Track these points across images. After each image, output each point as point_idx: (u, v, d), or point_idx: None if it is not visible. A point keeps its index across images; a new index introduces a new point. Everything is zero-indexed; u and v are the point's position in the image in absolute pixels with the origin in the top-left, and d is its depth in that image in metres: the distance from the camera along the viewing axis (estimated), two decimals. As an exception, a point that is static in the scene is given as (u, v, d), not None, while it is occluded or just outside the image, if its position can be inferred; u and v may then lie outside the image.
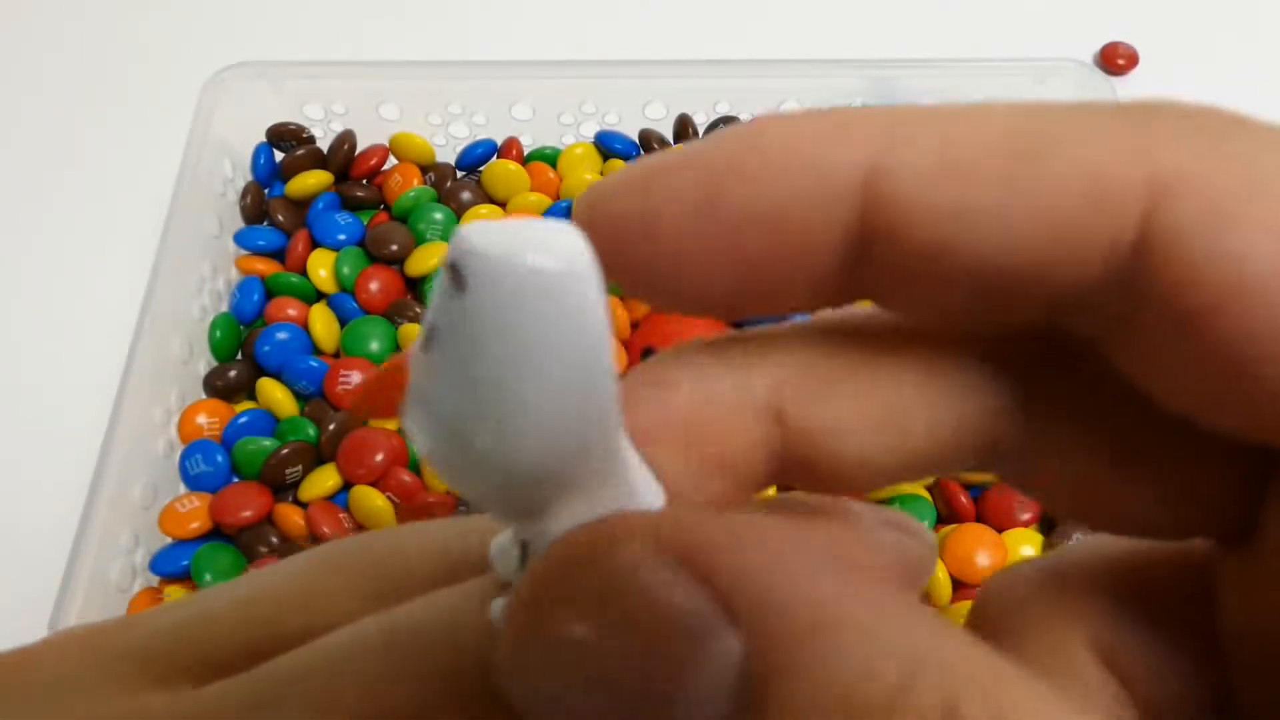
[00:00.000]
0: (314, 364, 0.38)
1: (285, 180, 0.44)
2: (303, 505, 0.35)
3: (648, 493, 0.10)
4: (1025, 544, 0.33)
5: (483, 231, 0.08)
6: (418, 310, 0.40)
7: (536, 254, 0.08)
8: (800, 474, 0.11)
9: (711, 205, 0.10)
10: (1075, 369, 0.11)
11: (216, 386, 0.39)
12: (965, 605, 0.32)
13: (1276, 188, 0.09)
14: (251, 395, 0.39)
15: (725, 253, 0.10)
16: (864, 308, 0.11)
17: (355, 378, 0.38)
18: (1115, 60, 0.53)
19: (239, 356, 0.41)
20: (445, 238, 0.42)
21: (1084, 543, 0.12)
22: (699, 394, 0.11)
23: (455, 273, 0.09)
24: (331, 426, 0.36)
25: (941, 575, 0.33)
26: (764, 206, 0.10)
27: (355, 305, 0.40)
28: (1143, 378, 0.10)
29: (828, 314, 0.11)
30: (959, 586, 0.33)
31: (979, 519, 0.35)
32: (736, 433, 0.11)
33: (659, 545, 0.09)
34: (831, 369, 0.11)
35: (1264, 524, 0.10)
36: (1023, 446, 0.11)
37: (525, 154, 0.45)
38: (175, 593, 0.34)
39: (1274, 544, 0.10)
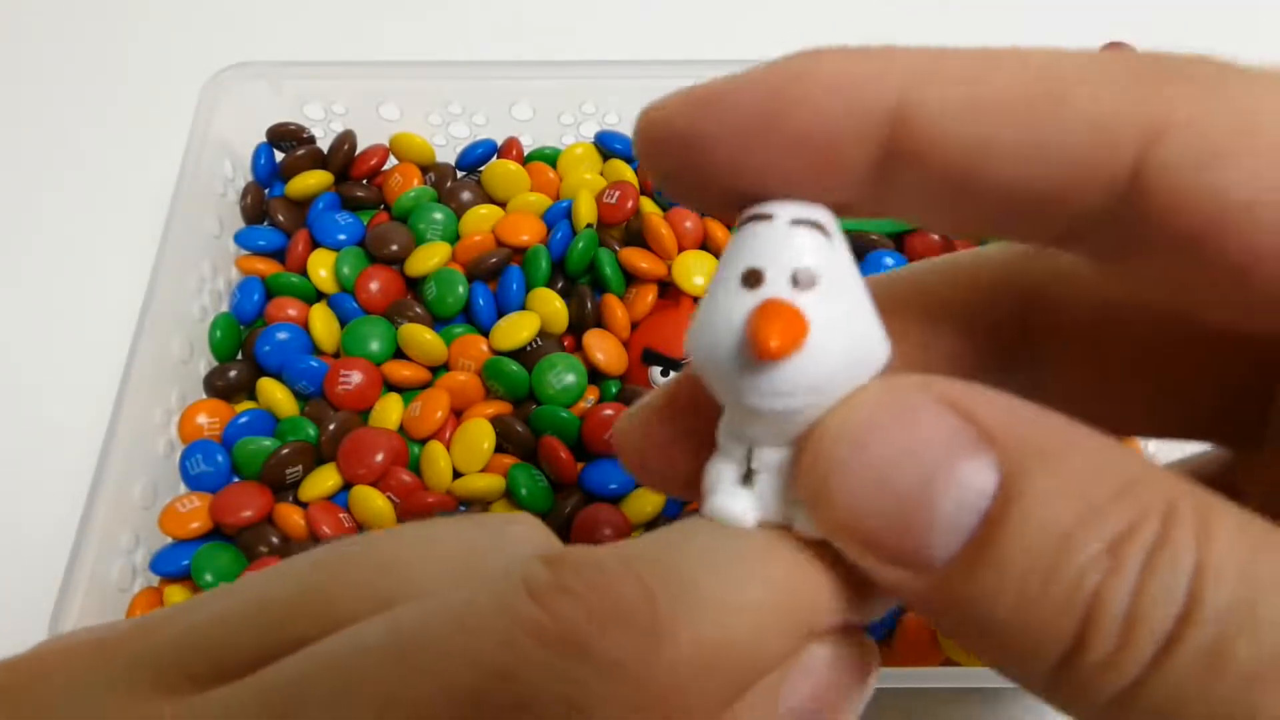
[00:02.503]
0: (314, 364, 0.38)
1: (285, 180, 0.44)
2: (303, 505, 0.35)
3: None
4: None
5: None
6: (418, 310, 0.39)
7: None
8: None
9: (764, 128, 0.12)
10: (1082, 286, 0.13)
11: (216, 386, 0.39)
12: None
13: (1260, 127, 0.10)
14: (251, 395, 0.39)
15: (771, 168, 0.12)
16: None
17: (355, 378, 0.38)
18: (1115, 60, 0.53)
19: (239, 356, 0.41)
20: (445, 238, 0.42)
21: None
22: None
23: (823, 230, 0.12)
24: (331, 426, 0.36)
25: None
26: (808, 130, 0.11)
27: (355, 305, 0.40)
28: (1143, 287, 0.12)
29: None
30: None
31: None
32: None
33: (934, 396, 0.11)
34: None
35: (1271, 422, 0.12)
36: (1033, 359, 0.14)
37: (525, 154, 0.45)
38: (175, 593, 0.34)
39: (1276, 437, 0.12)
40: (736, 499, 0.12)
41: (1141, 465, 0.11)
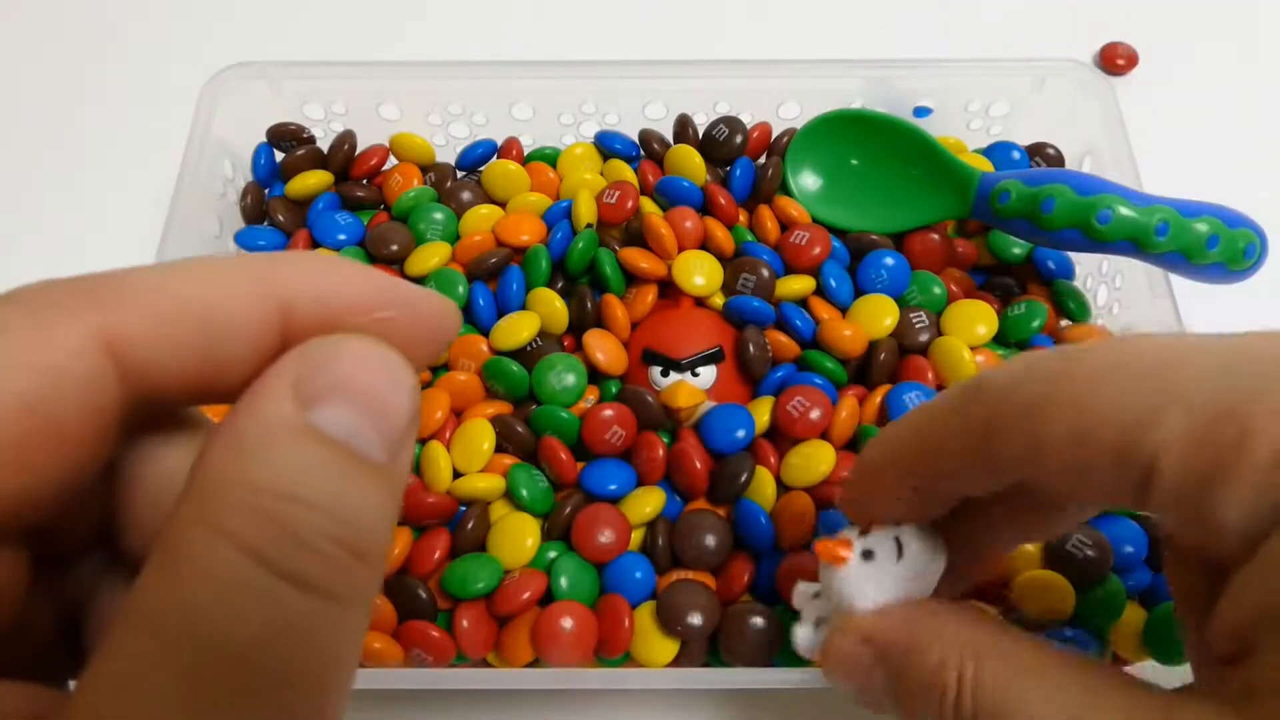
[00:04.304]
0: (314, 364, 0.38)
1: (285, 180, 0.44)
2: (303, 505, 0.35)
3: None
4: (1023, 550, 0.33)
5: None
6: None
7: None
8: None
9: (896, 478, 0.23)
10: None
11: (216, 386, 0.39)
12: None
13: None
14: (251, 395, 0.39)
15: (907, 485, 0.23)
16: None
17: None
18: (1115, 60, 0.53)
19: (239, 356, 0.40)
20: (445, 238, 0.42)
21: None
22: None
23: (899, 544, 0.23)
24: (331, 426, 0.36)
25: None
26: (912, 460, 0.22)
27: (355, 305, 0.40)
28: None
29: None
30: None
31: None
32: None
33: (857, 633, 0.23)
34: None
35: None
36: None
37: (525, 154, 0.45)
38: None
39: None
40: (809, 637, 0.25)
41: (952, 642, 0.20)
